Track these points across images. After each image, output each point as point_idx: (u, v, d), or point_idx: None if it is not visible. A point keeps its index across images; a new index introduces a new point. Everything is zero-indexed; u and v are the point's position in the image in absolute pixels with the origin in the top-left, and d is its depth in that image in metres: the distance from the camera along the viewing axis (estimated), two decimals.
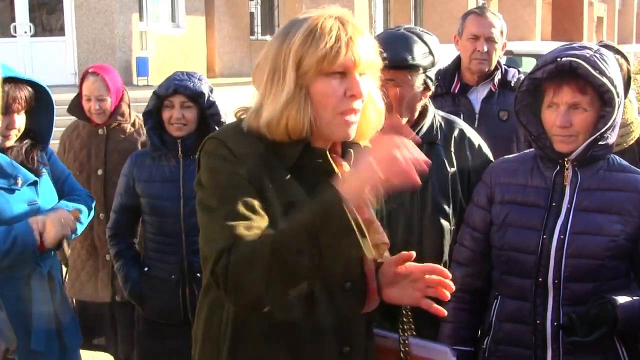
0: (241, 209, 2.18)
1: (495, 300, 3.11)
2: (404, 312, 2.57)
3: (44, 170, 3.74)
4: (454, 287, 2.35)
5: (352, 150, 2.40)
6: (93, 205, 4.02)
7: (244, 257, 2.10)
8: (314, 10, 2.33)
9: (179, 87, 4.14)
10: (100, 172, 4.99)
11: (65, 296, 3.92)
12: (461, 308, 3.16)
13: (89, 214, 3.95)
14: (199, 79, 4.22)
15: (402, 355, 2.65)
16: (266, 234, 2.14)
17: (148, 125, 4.30)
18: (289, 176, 2.29)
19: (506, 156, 3.31)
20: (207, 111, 4.20)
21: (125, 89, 5.17)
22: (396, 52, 3.14)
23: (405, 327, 2.57)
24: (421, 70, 3.20)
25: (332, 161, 2.33)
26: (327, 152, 2.34)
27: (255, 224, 2.17)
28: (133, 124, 5.13)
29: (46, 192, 3.73)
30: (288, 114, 2.24)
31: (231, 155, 2.26)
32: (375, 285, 2.43)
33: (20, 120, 3.59)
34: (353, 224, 2.03)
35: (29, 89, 3.59)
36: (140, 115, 5.01)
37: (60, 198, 3.84)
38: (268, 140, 2.29)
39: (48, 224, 3.56)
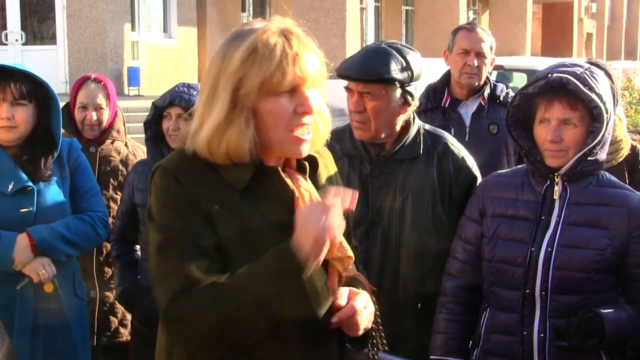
0: (192, 250, 2.15)
1: (485, 312, 3.14)
2: (374, 326, 2.54)
3: (52, 177, 3.65)
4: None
5: (306, 163, 2.37)
6: (101, 231, 3.87)
7: (202, 303, 2.10)
8: (257, 21, 2.27)
9: (174, 99, 4.10)
10: None
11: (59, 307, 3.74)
12: (452, 319, 3.19)
13: (88, 243, 3.85)
14: (198, 92, 4.12)
15: None
16: (225, 284, 2.11)
17: (147, 135, 4.25)
18: (241, 200, 2.22)
19: (499, 171, 3.36)
20: None
21: (119, 107, 4.86)
22: (372, 65, 3.17)
23: (375, 341, 2.57)
24: (397, 85, 3.19)
25: (286, 178, 2.29)
26: (280, 170, 2.28)
27: (204, 266, 2.14)
28: (126, 145, 4.84)
29: (48, 201, 3.64)
30: (228, 138, 2.18)
31: (177, 187, 2.19)
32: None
33: (12, 112, 3.52)
34: (309, 292, 2.04)
35: (29, 84, 3.53)
36: (131, 139, 4.92)
37: (76, 212, 3.77)
38: (215, 163, 2.23)
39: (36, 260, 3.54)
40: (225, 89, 2.18)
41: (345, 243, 2.36)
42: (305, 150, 2.28)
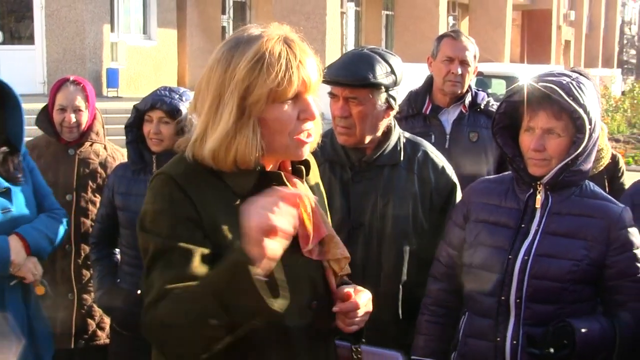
0: (177, 259, 2.13)
1: (464, 317, 3.16)
2: None
3: (22, 178, 3.67)
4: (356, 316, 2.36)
5: (302, 167, 2.40)
6: (66, 227, 3.94)
7: (163, 314, 2.09)
8: (255, 28, 2.27)
9: (156, 102, 4.08)
10: (69, 197, 4.59)
11: (39, 307, 3.82)
12: (434, 321, 3.22)
13: (58, 241, 3.89)
14: (180, 96, 4.13)
15: None
16: (189, 285, 2.08)
17: (128, 139, 4.24)
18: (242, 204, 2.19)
19: (487, 177, 3.39)
20: (185, 129, 4.04)
21: (98, 109, 4.83)
22: (358, 71, 3.19)
23: (358, 334, 2.59)
24: (383, 89, 3.23)
25: (287, 182, 2.30)
26: (283, 175, 2.30)
27: (188, 275, 2.11)
28: (105, 148, 4.80)
29: (22, 201, 3.66)
30: (237, 146, 2.18)
31: (179, 193, 2.18)
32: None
33: None
34: (257, 284, 1.98)
35: None
36: (110, 142, 4.90)
37: (40, 211, 3.78)
38: (218, 170, 2.23)
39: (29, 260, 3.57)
40: (232, 98, 2.17)
41: (341, 243, 2.41)
42: (306, 153, 2.31)
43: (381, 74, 3.21)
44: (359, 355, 2.62)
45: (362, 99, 3.21)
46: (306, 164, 2.42)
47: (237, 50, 2.21)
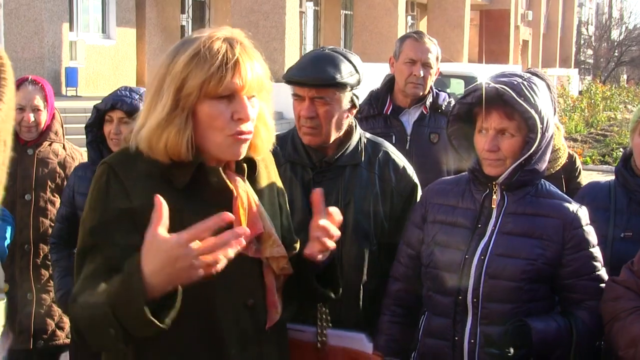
0: (100, 257, 2.20)
1: (423, 316, 3.18)
2: (319, 307, 2.61)
3: None
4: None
5: (245, 165, 2.43)
6: (10, 231, 3.91)
7: (75, 315, 2.20)
8: (206, 30, 2.32)
9: (117, 103, 4.09)
10: (28, 197, 4.62)
11: None
12: (394, 321, 3.24)
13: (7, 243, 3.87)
14: (140, 96, 4.13)
15: (319, 345, 2.68)
16: (89, 299, 2.11)
17: (88, 139, 4.23)
18: (179, 198, 2.25)
19: (444, 178, 3.40)
20: None
21: (57, 109, 4.84)
22: (324, 70, 3.19)
23: (323, 317, 2.59)
24: (348, 88, 3.24)
25: (226, 179, 2.34)
26: (221, 170, 2.34)
27: (104, 273, 2.14)
28: (64, 147, 4.81)
29: None
30: (167, 135, 2.23)
31: (115, 182, 2.26)
32: (275, 299, 2.44)
33: None
34: (145, 306, 1.98)
35: None
36: (70, 143, 4.89)
37: None
38: (158, 161, 2.28)
39: None
40: (169, 89, 2.24)
41: (279, 241, 2.44)
42: (243, 152, 2.34)
43: (346, 73, 3.22)
44: (324, 338, 2.63)
45: (328, 98, 3.21)
46: (250, 163, 2.45)
47: (183, 46, 2.28)
